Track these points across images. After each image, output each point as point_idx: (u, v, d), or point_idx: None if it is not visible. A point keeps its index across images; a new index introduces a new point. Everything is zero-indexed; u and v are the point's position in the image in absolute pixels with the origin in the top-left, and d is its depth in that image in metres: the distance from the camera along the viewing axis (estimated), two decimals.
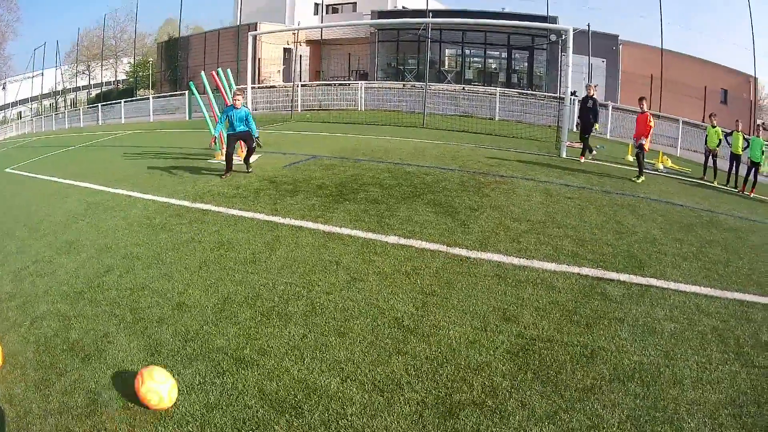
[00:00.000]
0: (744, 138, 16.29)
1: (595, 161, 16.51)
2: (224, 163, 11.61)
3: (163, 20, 64.34)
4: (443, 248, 7.57)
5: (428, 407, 4.31)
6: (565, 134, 16.77)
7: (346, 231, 8.01)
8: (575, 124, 18.43)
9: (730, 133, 16.69)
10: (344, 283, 6.35)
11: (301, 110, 29.34)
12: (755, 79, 37.77)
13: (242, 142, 12.21)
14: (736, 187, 15.91)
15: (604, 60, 35.28)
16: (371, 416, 4.12)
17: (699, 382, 5.50)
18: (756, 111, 37.78)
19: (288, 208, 9.02)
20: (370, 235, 7.87)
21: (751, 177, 15.40)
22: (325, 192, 10.04)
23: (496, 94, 28.39)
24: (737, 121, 17.87)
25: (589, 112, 15.97)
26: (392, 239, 7.75)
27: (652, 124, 13.61)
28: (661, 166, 17.44)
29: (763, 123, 21.14)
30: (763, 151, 16.41)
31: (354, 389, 4.44)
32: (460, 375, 4.82)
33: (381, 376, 4.63)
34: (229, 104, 11.41)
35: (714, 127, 16.66)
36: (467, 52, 38.06)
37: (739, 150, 16.29)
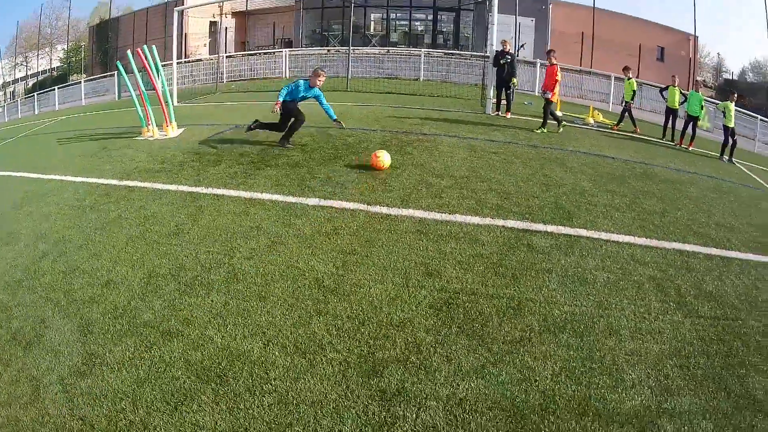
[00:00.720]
0: (681, 93, 18.18)
1: (524, 117, 17.75)
2: (152, 139, 12.98)
3: (96, 3, 64.77)
4: (363, 207, 8.13)
5: (351, 366, 4.63)
6: (491, 92, 18.01)
7: (267, 196, 8.55)
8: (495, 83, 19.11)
9: (666, 88, 18.57)
10: (265, 248, 6.81)
11: (227, 81, 31.43)
12: (695, 37, 40.31)
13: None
14: (672, 141, 17.80)
15: (533, 19, 37.73)
16: (294, 379, 4.46)
17: (638, 332, 5.86)
18: (696, 69, 40.11)
19: (211, 178, 9.61)
20: (291, 199, 8.43)
21: (689, 131, 17.87)
22: (247, 159, 10.72)
23: (420, 56, 30.77)
24: (674, 76, 18.86)
25: (504, 68, 17.28)
26: (313, 201, 8.33)
27: (558, 77, 15.15)
28: (591, 121, 19.10)
29: (704, 80, 22.54)
30: (702, 106, 17.96)
31: (276, 353, 4.80)
32: (383, 332, 5.15)
33: (303, 338, 5.00)
34: (296, 82, 11.87)
35: (629, 79, 18.51)
36: (393, 15, 41.32)
37: (676, 104, 18.21)
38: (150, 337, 5.09)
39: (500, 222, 8.16)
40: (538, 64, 29.41)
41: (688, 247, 8.19)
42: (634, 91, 18.69)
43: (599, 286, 6.65)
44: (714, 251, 8.32)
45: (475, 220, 7.97)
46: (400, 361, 4.74)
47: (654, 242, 8.14)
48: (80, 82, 42.51)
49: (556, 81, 15.17)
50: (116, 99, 34.69)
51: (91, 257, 6.91)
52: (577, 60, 36.33)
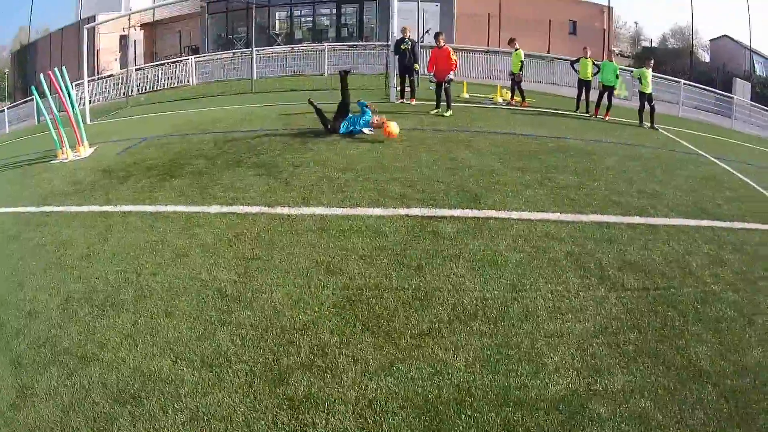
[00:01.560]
0: (594, 64, 19.44)
1: (430, 101, 18.04)
2: (66, 161, 13.48)
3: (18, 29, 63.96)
4: (265, 209, 8.34)
5: (257, 376, 4.75)
6: (393, 80, 18.66)
7: (171, 208, 8.70)
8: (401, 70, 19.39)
9: (577, 60, 19.47)
10: (169, 261, 6.93)
11: (137, 94, 31.91)
12: (610, 8, 41.81)
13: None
14: (587, 113, 18.70)
15: (438, 4, 40.41)
16: (203, 394, 4.55)
17: (557, 312, 5.87)
18: (611, 40, 41.48)
19: (120, 195, 9.69)
20: (194, 208, 8.61)
21: (605, 101, 18.58)
22: (154, 172, 10.84)
23: (324, 50, 31.89)
24: (585, 48, 20.12)
25: (405, 55, 17.87)
26: (215, 209, 8.53)
27: (454, 59, 15.84)
28: (500, 100, 20.10)
29: (620, 51, 23.23)
30: (617, 75, 18.76)
31: (185, 369, 4.88)
32: (287, 338, 5.28)
33: (209, 351, 5.12)
34: None
35: (516, 50, 19.62)
36: (297, 12, 42.87)
37: (588, 76, 19.06)
38: (70, 364, 5.10)
39: (404, 211, 8.19)
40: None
41: (607, 218, 8.32)
42: (521, 62, 19.40)
43: (511, 267, 6.67)
44: (638, 220, 8.47)
45: (378, 211, 8.12)
46: (305, 366, 4.83)
47: (570, 216, 8.25)
48: (3, 109, 42.17)
49: (454, 64, 15.73)
50: (36, 123, 34.40)
51: (16, 288, 6.85)
52: (485, 41, 36.81)
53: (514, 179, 9.67)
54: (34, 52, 48.96)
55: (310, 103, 13.36)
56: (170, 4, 41.67)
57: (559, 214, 8.22)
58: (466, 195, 8.79)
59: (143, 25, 43.96)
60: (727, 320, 6.04)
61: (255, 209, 8.37)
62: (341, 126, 12.84)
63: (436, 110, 15.95)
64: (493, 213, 8.12)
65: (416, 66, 18.46)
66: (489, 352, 5.12)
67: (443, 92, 15.92)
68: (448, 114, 15.41)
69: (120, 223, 8.40)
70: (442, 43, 15.78)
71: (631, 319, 5.79)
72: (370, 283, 6.26)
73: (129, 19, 39.83)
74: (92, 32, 36.81)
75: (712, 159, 14.14)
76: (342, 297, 5.92)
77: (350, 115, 13.02)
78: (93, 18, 38.81)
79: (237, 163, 10.95)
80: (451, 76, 16.04)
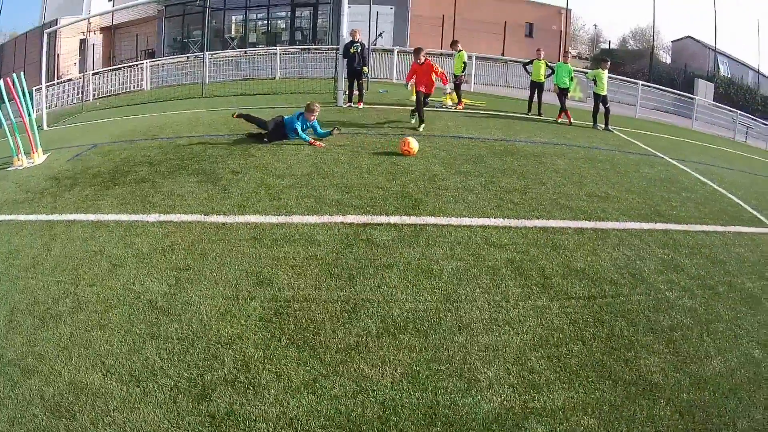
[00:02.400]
0: (548, 65, 19.63)
1: (378, 105, 18.68)
2: (21, 168, 13.44)
3: None
4: (201, 218, 8.29)
5: (181, 392, 4.69)
6: (341, 83, 18.56)
7: (112, 217, 8.62)
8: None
9: (530, 62, 20.11)
10: (106, 272, 6.85)
11: (93, 99, 31.87)
12: (568, 10, 42.38)
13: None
14: (539, 115, 18.90)
15: (393, 6, 41.17)
16: (131, 409, 4.51)
17: (493, 324, 5.72)
18: (567, 42, 42.06)
19: (65, 204, 9.60)
20: (133, 217, 8.52)
21: (558, 103, 18.72)
22: (99, 180, 10.72)
23: (276, 54, 32.26)
24: (538, 49, 20.39)
25: (354, 58, 17.90)
26: (153, 217, 8.44)
27: (441, 71, 14.93)
28: (450, 103, 20.29)
29: (579, 53, 23.47)
30: (572, 77, 19.05)
31: (114, 383, 4.85)
32: (212, 352, 5.22)
33: (137, 366, 5.06)
34: None
35: (459, 52, 19.72)
36: (253, 16, 43.91)
37: (541, 78, 19.23)
38: (14, 375, 5.06)
39: (339, 219, 8.07)
40: (395, 52, 30.75)
41: (553, 223, 8.23)
42: (464, 64, 19.61)
43: (447, 277, 6.53)
44: (586, 224, 8.40)
45: (313, 219, 8.03)
46: (228, 381, 4.77)
47: (512, 222, 8.16)
48: None
49: (442, 73, 14.93)
50: None
51: None
52: (438, 43, 37.04)
53: (456, 184, 9.57)
54: (1, 55, 49.87)
55: (238, 116, 13.30)
56: (128, 7, 41.93)
57: (501, 219, 8.13)
58: (405, 201, 8.73)
59: (102, 29, 44.52)
60: (682, 329, 5.96)
61: (191, 218, 8.31)
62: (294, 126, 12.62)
63: (420, 125, 15.07)
64: (431, 219, 8.00)
65: (365, 69, 18.74)
66: (418, 368, 4.98)
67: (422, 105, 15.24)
68: (420, 129, 14.83)
69: (64, 232, 8.33)
70: (422, 59, 14.85)
71: (574, 330, 5.66)
72: (299, 294, 6.15)
73: (89, 23, 40.66)
74: (54, 36, 37.19)
75: (669, 160, 14.19)
76: (269, 309, 5.83)
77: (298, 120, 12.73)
78: (56, 22, 39.67)
79: (179, 170, 10.84)
80: (448, 89, 16.34)
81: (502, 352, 5.24)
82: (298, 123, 12.45)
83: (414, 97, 18.04)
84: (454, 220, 8.00)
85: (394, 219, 8.01)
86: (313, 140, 12.38)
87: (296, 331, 5.51)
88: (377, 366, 4.99)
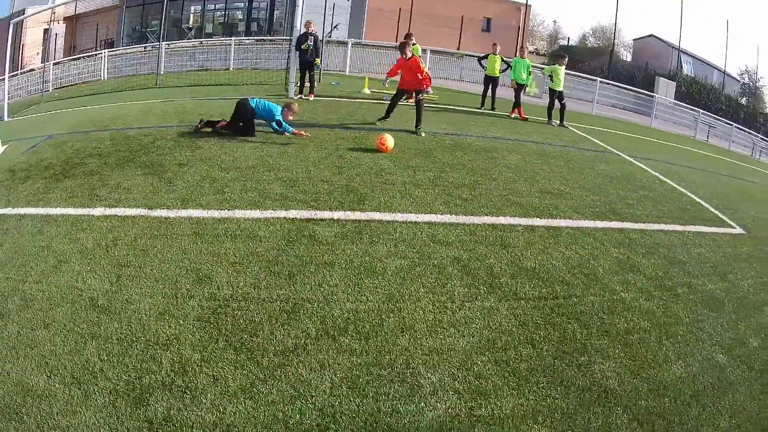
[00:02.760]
0: (503, 60, 19.96)
1: (329, 98, 18.80)
2: None
3: None
4: (144, 212, 8.07)
5: (120, 395, 4.51)
6: (293, 74, 18.67)
7: (60, 211, 8.38)
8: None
9: (485, 57, 20.39)
10: (52, 269, 6.62)
11: (52, 89, 32.45)
12: (527, 6, 42.66)
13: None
14: (492, 109, 19.20)
15: None
16: (72, 413, 4.34)
17: (438, 326, 5.53)
18: (525, 37, 42.60)
19: (18, 197, 9.37)
20: (81, 211, 8.28)
21: (514, 98, 18.98)
22: (50, 173, 10.48)
23: (231, 44, 32.83)
24: (494, 44, 20.70)
25: (307, 50, 17.99)
26: (98, 211, 8.20)
27: (426, 71, 14.00)
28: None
29: (536, 49, 23.67)
30: (529, 72, 19.31)
31: (57, 384, 4.66)
32: (150, 353, 5.04)
33: (78, 367, 4.87)
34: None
35: (413, 44, 19.30)
36: (211, 6, 45.06)
37: (495, 72, 19.78)
38: None
39: (282, 213, 7.86)
40: (350, 44, 31.20)
41: (503, 220, 8.09)
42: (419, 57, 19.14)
43: (390, 275, 6.34)
44: (538, 221, 8.27)
45: (256, 213, 7.85)
46: (166, 385, 4.59)
47: (460, 218, 8.00)
48: None
49: (427, 74, 13.91)
50: None
51: None
52: (394, 37, 37.20)
53: (404, 178, 9.44)
54: None
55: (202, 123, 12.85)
56: None
57: (449, 215, 7.97)
58: (350, 195, 8.57)
59: (66, 19, 44.87)
60: (639, 332, 5.83)
61: (135, 212, 8.09)
62: (284, 126, 12.19)
63: (381, 120, 14.39)
64: (376, 215, 7.83)
65: (317, 61, 18.77)
66: (358, 373, 4.78)
67: (417, 107, 14.07)
68: (422, 134, 13.97)
69: (15, 227, 8.09)
70: (409, 54, 13.83)
71: (523, 333, 5.49)
72: (238, 293, 5.92)
73: (53, 13, 41.02)
74: (20, 26, 37.60)
75: (626, 157, 14.24)
76: (207, 309, 5.61)
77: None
78: (23, 12, 39.97)
79: (127, 162, 10.63)
80: (430, 91, 15.44)
81: (447, 356, 5.05)
82: (280, 115, 12.13)
83: (367, 90, 17.88)
84: (399, 216, 7.85)
85: (337, 214, 7.83)
86: (297, 131, 12.20)
87: (234, 332, 5.30)
88: (316, 370, 4.79)
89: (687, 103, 34.88)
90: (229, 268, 6.49)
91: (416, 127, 13.68)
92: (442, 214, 7.98)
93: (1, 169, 11.61)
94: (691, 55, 49.75)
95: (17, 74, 33.06)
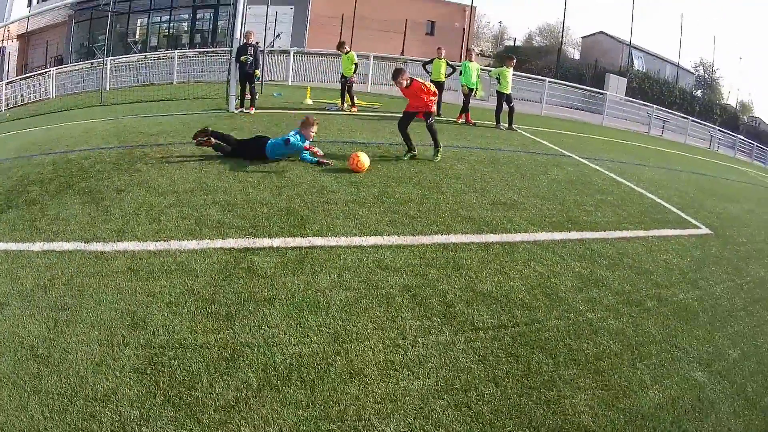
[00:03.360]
0: (449, 65, 19.76)
1: (269, 110, 18.54)
2: None
3: None
4: (81, 246, 7.57)
5: None
6: (233, 87, 18.56)
7: (1, 246, 7.97)
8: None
9: (430, 62, 20.09)
10: None
11: (5, 110, 32.28)
12: (473, 8, 43.06)
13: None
14: (438, 115, 18.75)
15: (293, 6, 42.00)
16: None
17: (390, 368, 5.11)
18: (471, 39, 42.83)
19: None
20: (21, 246, 7.83)
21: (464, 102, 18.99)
22: None
23: (174, 57, 33.06)
24: (439, 48, 20.42)
25: (246, 62, 17.81)
26: (38, 246, 7.73)
27: (433, 89, 12.72)
28: (344, 106, 20.42)
29: (482, 50, 23.68)
30: (479, 76, 19.24)
31: None
32: (89, 410, 4.60)
33: (24, 425, 4.46)
34: None
35: (347, 53, 19.71)
36: (156, 18, 45.00)
37: (441, 77, 19.63)
38: None
39: (219, 243, 7.42)
40: (292, 53, 31.41)
41: (454, 239, 7.72)
42: (355, 65, 19.60)
43: (335, 311, 5.88)
44: (492, 238, 7.91)
45: (192, 244, 7.40)
46: None
47: (408, 239, 7.63)
48: None
49: (434, 93, 12.72)
50: None
51: None
52: (335, 43, 37.33)
53: (346, 196, 9.06)
54: None
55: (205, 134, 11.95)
56: (43, 12, 42.75)
57: (396, 236, 7.60)
58: (291, 218, 8.13)
59: (19, 36, 45.86)
60: (610, 356, 5.47)
61: (72, 246, 7.57)
62: (270, 148, 11.39)
63: (411, 155, 12.76)
64: (318, 240, 7.43)
65: (257, 72, 18.51)
66: (305, 428, 4.36)
67: (431, 132, 12.94)
68: (438, 158, 12.77)
69: None
70: (406, 82, 12.51)
71: (485, 370, 5.08)
72: (174, 338, 5.46)
73: (8, 31, 41.97)
74: None
75: (579, 159, 14.11)
76: (144, 358, 5.15)
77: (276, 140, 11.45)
78: None
79: (66, 189, 10.17)
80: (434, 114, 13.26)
81: (402, 402, 4.64)
82: (301, 140, 11.15)
83: (309, 100, 17.43)
84: (343, 240, 7.46)
85: (277, 241, 7.43)
86: (322, 158, 11.33)
87: (172, 385, 4.86)
88: (260, 427, 4.38)
89: (639, 99, 35.11)
90: (164, 309, 6.01)
91: (435, 150, 12.72)
92: (388, 236, 7.61)
93: None
94: (642, 50, 50.36)
95: None
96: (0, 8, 46.75)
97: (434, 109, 12.80)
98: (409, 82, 12.54)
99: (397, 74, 12.41)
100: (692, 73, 58.48)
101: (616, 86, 40.41)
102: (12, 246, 7.95)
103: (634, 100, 35.09)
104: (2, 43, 41.93)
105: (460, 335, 5.52)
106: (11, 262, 7.38)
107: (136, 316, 5.90)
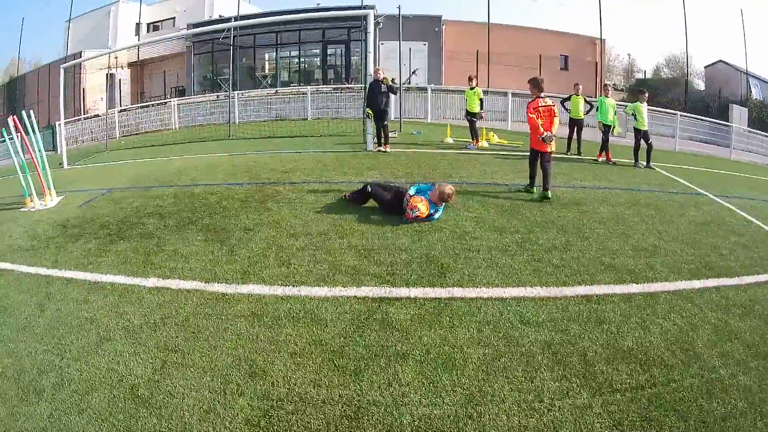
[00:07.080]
0: (586, 101, 19.08)
1: (410, 149, 18.21)
2: (33, 210, 13.04)
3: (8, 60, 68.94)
4: (201, 286, 7.41)
5: None
6: (369, 125, 18.12)
7: (109, 278, 7.89)
8: (365, 113, 18.90)
9: (568, 98, 19.34)
10: (93, 346, 6.12)
11: (119, 137, 32.57)
12: (602, 41, 42.12)
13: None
14: (579, 154, 18.54)
15: (426, 42, 39.79)
16: None
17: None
18: (603, 73, 41.38)
19: (67, 258, 8.97)
20: (131, 280, 7.76)
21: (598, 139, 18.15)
22: (105, 232, 10.13)
23: (307, 93, 32.60)
24: (576, 84, 19.78)
25: (378, 98, 17.21)
26: (151, 282, 7.64)
27: (556, 111, 11.93)
28: (485, 143, 19.90)
29: (614, 84, 22.83)
30: (615, 112, 18.34)
31: None
32: None
33: None
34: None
35: (472, 89, 19.26)
36: (285, 53, 44.40)
37: (580, 114, 19.03)
38: None
39: (353, 291, 7.02)
40: (429, 90, 30.92)
41: (597, 290, 7.12)
42: (481, 100, 19.12)
43: (471, 369, 5.40)
44: (634, 288, 7.26)
45: (323, 291, 7.02)
46: None
47: (552, 291, 7.06)
48: None
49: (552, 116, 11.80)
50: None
51: None
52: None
53: (489, 243, 8.57)
54: (23, 85, 51.23)
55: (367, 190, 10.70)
56: (152, 42, 43.33)
57: (539, 288, 7.07)
58: (430, 267, 7.69)
59: (130, 65, 45.56)
60: (735, 416, 4.81)
61: (190, 285, 7.39)
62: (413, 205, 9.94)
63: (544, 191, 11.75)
64: (458, 291, 6.95)
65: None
66: None
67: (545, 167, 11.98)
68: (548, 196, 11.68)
69: (60, 291, 7.60)
70: (549, 101, 11.89)
71: None
72: (295, 391, 5.12)
73: (116, 58, 42.11)
74: (78, 70, 38.88)
75: (713, 197, 13.18)
76: (259, 410, 4.80)
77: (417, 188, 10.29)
78: (80, 54, 40.88)
79: (188, 225, 10.08)
80: (549, 134, 11.92)
81: None
82: (433, 209, 9.99)
83: (450, 139, 17.05)
84: (484, 291, 6.96)
85: (415, 291, 6.99)
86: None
87: None
88: None
89: (759, 129, 33.13)
90: (287, 359, 5.71)
91: (544, 189, 11.69)
92: (531, 287, 7.08)
93: (52, 223, 11.18)
94: (758, 78, 47.54)
95: (80, 119, 33.93)
96: (102, 35, 48.07)
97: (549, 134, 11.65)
98: (549, 102, 11.90)
99: (537, 84, 11.93)
100: None
101: (738, 117, 38.22)
102: (121, 279, 7.86)
103: (755, 131, 33.04)
104: (110, 70, 41.74)
105: (598, 398, 5.00)
106: (119, 296, 7.29)
107: (255, 365, 5.64)
